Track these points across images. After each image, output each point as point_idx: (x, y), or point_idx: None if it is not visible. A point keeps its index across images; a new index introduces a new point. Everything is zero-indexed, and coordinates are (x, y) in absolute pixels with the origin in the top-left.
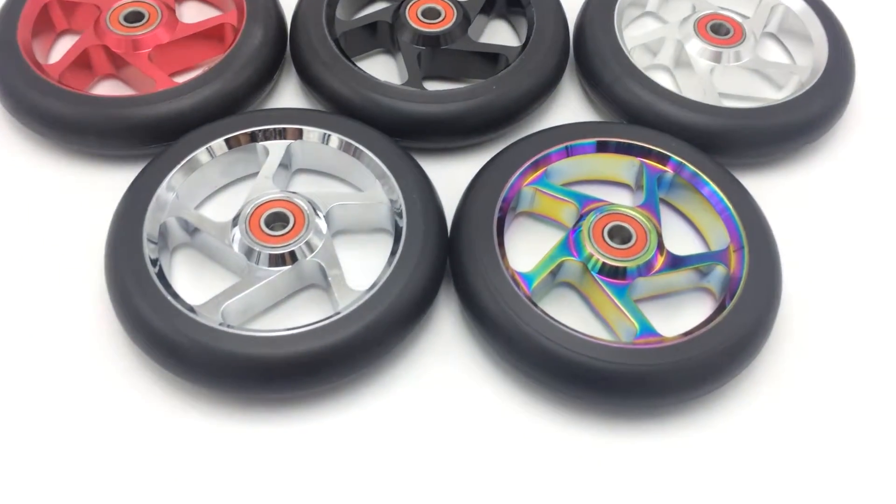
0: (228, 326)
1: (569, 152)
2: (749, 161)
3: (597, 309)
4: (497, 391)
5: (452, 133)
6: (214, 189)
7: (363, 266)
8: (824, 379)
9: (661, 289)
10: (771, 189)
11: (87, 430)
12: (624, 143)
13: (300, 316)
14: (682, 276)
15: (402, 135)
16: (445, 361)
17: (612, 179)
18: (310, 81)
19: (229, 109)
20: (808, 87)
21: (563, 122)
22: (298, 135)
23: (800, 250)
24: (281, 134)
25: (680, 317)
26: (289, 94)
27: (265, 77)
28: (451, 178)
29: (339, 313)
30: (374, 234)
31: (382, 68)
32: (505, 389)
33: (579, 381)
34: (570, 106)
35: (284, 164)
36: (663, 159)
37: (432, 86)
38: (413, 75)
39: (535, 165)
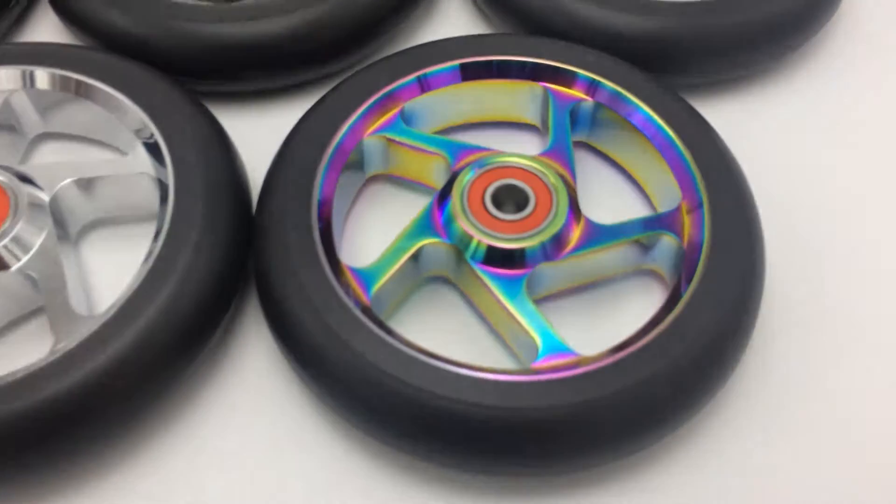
0: None
1: (423, 85)
2: (702, 81)
3: (485, 316)
4: (325, 453)
5: (266, 66)
6: None
7: (122, 275)
8: (827, 399)
9: (584, 276)
10: (736, 121)
11: None
12: (516, 61)
13: (16, 359)
14: (615, 256)
15: (192, 73)
16: (255, 413)
17: (512, 119)
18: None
19: None
20: None
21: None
22: None
23: (779, 209)
24: None
25: (616, 319)
26: (46, 28)
27: None
28: (270, 134)
29: (53, 354)
30: (144, 224)
31: None
32: (339, 450)
33: (437, 437)
34: (452, 23)
35: (10, 126)
36: (577, 82)
37: None
38: None
39: (381, 107)
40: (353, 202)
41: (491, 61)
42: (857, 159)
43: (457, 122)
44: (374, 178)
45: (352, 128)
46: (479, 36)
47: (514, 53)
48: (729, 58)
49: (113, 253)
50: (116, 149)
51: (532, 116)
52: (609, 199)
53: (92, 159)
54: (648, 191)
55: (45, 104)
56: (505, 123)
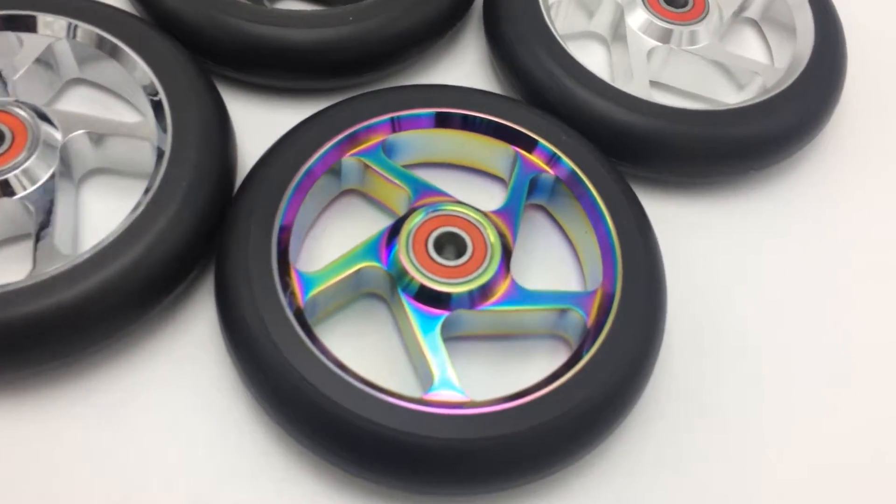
0: None
1: (395, 126)
2: (675, 180)
3: (403, 339)
4: (236, 421)
5: (282, 69)
6: None
7: (111, 221)
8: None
9: (499, 328)
10: (685, 221)
11: None
12: (492, 121)
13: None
14: (530, 317)
15: (216, 58)
16: (188, 369)
17: (486, 169)
18: None
19: None
20: (772, 94)
21: (446, 83)
22: (31, 25)
23: (691, 307)
24: (15, 22)
25: (519, 372)
26: None
27: None
28: (270, 127)
29: (27, 280)
30: (142, 179)
31: None
32: (246, 422)
33: (327, 438)
34: (465, 66)
35: (49, 65)
36: (545, 155)
37: (291, 6)
38: None
39: (354, 140)
40: (326, 208)
41: (467, 115)
42: (776, 283)
43: (434, 160)
44: (350, 191)
45: (325, 154)
46: (464, 90)
47: (495, 115)
48: (692, 165)
49: (109, 199)
50: (135, 107)
51: (502, 172)
52: (549, 263)
53: (108, 117)
54: (583, 265)
55: (82, 55)
56: (479, 171)
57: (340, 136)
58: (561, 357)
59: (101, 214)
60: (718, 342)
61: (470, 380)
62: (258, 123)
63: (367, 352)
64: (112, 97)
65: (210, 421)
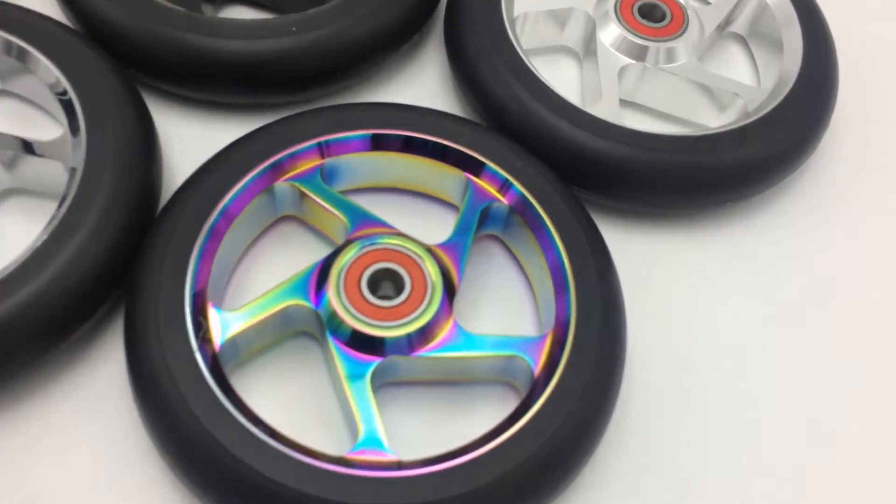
0: None
1: (324, 151)
2: (643, 211)
3: (335, 389)
4: (150, 494)
5: (218, 82)
6: None
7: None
8: None
9: (440, 375)
10: (651, 254)
11: None
12: (437, 143)
13: None
14: (476, 363)
15: (150, 70)
16: (90, 424)
17: (438, 195)
18: None
19: None
20: (754, 118)
21: (401, 102)
22: None
23: (655, 350)
24: None
25: (462, 421)
26: None
27: None
28: (205, 143)
29: None
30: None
31: None
32: (165, 493)
33: (234, 500)
34: (426, 82)
35: None
36: (497, 181)
37: (237, 14)
38: None
39: (278, 168)
40: (263, 234)
41: (409, 137)
42: (752, 325)
43: (381, 184)
44: (289, 217)
45: (250, 182)
46: (404, 107)
47: (438, 135)
48: (662, 196)
49: (27, 223)
50: (58, 121)
51: (455, 199)
52: (502, 302)
53: (19, 134)
54: (538, 304)
55: (4, 68)
56: (432, 197)
57: (264, 165)
58: (510, 405)
59: (15, 239)
60: (685, 391)
61: (406, 431)
62: (195, 140)
63: (296, 398)
64: (37, 111)
65: (116, 477)
